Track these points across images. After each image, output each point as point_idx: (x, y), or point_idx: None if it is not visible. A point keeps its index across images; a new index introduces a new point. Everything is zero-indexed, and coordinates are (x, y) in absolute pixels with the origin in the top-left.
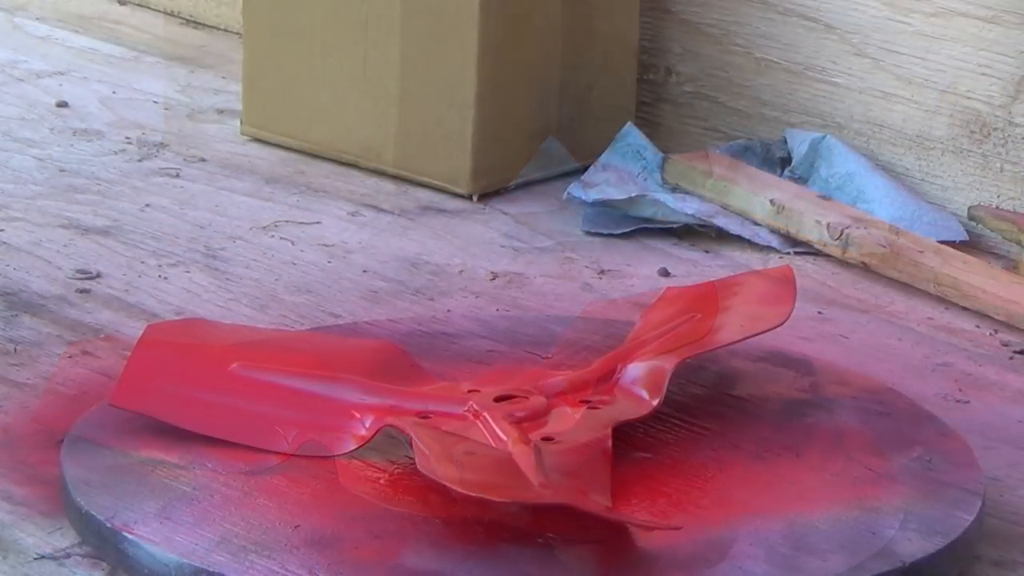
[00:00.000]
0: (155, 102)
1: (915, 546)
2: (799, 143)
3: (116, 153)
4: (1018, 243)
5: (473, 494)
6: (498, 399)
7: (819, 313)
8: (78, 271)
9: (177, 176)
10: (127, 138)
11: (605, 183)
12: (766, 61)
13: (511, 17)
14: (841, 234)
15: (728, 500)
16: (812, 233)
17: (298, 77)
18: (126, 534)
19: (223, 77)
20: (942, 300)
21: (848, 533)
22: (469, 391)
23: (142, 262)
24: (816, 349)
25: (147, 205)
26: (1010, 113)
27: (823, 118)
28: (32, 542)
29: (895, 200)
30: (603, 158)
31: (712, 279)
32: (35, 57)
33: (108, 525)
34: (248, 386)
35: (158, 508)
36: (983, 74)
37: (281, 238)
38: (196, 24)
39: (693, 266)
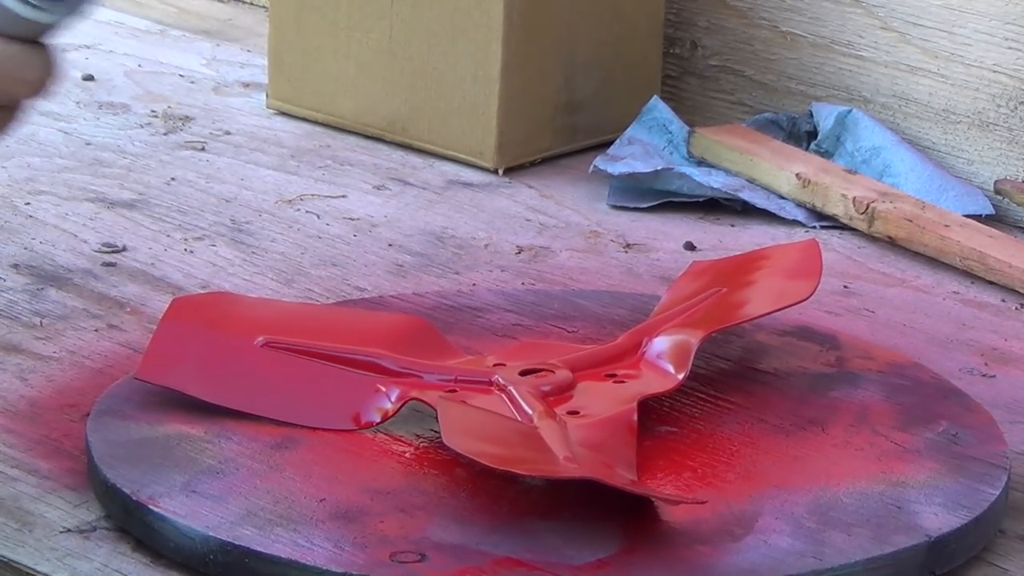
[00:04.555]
0: (181, 76)
1: (940, 520)
2: (825, 117)
3: (142, 127)
4: None
5: (499, 468)
6: (524, 373)
7: (845, 287)
8: (104, 244)
9: (203, 150)
10: (153, 112)
11: (631, 157)
12: (792, 35)
13: None
14: (867, 208)
15: (753, 474)
16: (838, 207)
17: (324, 51)
18: (151, 508)
19: (249, 51)
20: (968, 274)
21: (873, 507)
22: (495, 365)
23: (168, 236)
24: (842, 323)
25: (173, 179)
26: None
27: (849, 92)
28: (57, 516)
29: (921, 174)
30: (629, 132)
31: (738, 253)
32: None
33: (133, 499)
34: (273, 360)
35: (183, 482)
36: (1010, 48)
37: (307, 212)
38: None
39: (719, 240)
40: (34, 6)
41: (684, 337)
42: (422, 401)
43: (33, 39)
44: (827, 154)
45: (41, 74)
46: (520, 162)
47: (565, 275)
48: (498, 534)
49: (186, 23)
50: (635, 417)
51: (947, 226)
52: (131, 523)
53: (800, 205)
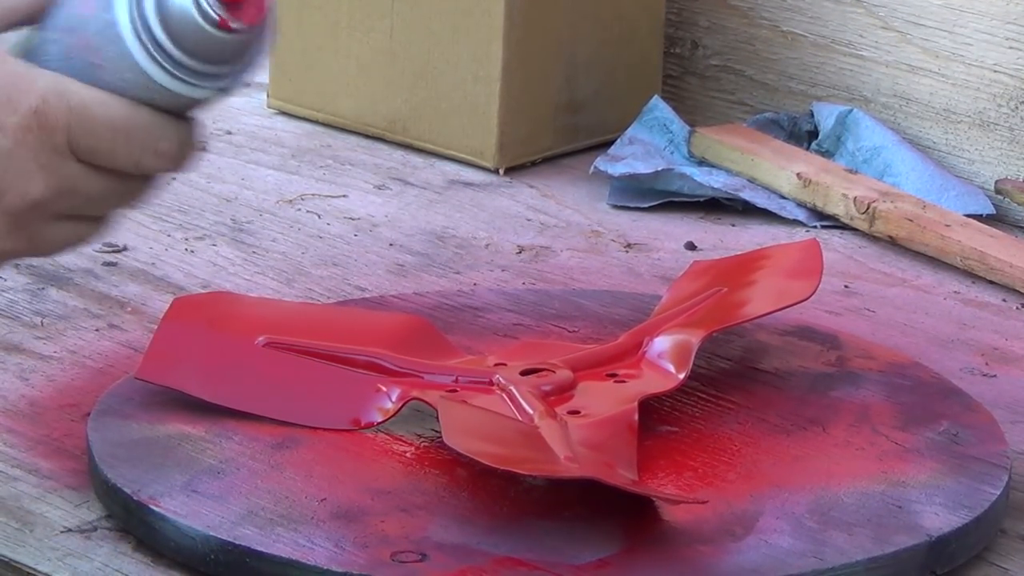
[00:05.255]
0: None
1: (941, 520)
2: (826, 116)
3: None
4: None
5: (500, 468)
6: (524, 373)
7: (845, 287)
8: (105, 244)
9: (203, 149)
10: None
11: (632, 156)
12: (793, 34)
13: None
14: (868, 208)
15: (754, 474)
16: (839, 207)
17: (324, 50)
18: (152, 507)
19: None
20: (968, 274)
21: (874, 507)
22: (495, 364)
23: (168, 235)
24: (842, 323)
25: (173, 178)
26: None
27: (850, 91)
28: (58, 515)
29: (922, 174)
30: (630, 131)
31: (738, 252)
32: None
33: (134, 499)
34: (274, 360)
35: (184, 481)
36: (1010, 47)
37: (307, 211)
38: None
39: (720, 239)
40: (178, 77)
41: (685, 337)
42: (423, 401)
43: (175, 110)
44: (828, 154)
45: (175, 147)
46: (521, 162)
47: (566, 275)
48: (499, 534)
49: None
50: (636, 417)
51: (948, 226)
52: (132, 523)
53: (801, 205)
